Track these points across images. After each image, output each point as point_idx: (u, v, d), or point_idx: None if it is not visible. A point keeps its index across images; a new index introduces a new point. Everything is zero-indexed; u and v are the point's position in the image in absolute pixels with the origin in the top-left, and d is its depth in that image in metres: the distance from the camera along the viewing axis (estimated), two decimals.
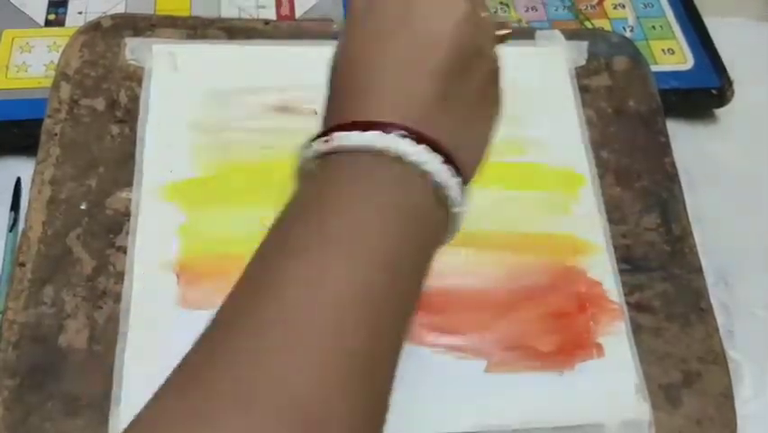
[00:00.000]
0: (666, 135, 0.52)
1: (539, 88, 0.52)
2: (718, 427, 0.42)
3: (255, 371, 0.23)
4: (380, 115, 0.28)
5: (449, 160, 0.28)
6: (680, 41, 0.60)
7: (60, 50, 0.50)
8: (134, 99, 0.49)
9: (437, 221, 0.29)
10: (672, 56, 0.59)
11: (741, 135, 0.58)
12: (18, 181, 0.50)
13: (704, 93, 0.58)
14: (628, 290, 0.46)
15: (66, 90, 0.48)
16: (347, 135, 0.27)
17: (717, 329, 0.45)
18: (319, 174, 0.28)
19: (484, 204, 0.48)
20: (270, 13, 0.59)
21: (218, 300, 0.43)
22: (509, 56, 0.54)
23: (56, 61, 0.50)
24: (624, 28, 0.60)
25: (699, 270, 0.47)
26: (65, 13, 0.57)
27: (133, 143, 0.47)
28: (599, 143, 0.51)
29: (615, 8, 0.62)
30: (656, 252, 0.47)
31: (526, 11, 0.61)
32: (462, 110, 0.30)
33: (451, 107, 0.29)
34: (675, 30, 0.61)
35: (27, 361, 0.40)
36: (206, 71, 0.50)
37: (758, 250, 0.52)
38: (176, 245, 0.44)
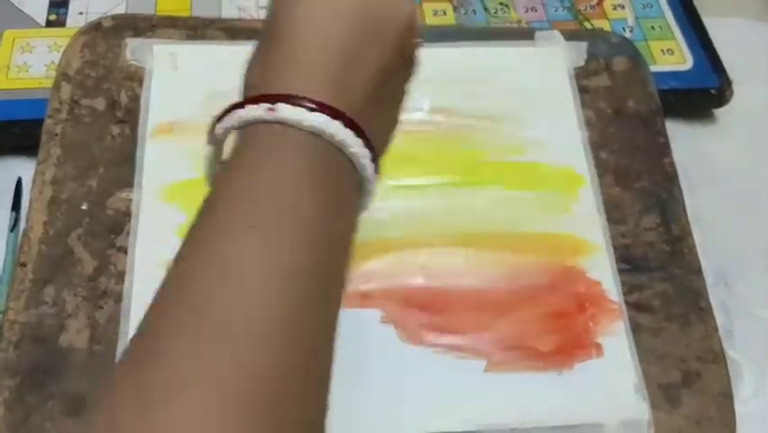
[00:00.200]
0: (665, 136, 0.52)
1: (539, 89, 0.52)
2: (718, 426, 0.42)
3: (192, 359, 0.24)
4: (312, 93, 0.28)
5: (363, 134, 0.29)
6: (679, 42, 0.60)
7: (61, 50, 0.51)
8: (135, 99, 0.49)
9: (354, 195, 0.30)
10: (671, 56, 0.59)
11: (740, 136, 0.58)
12: (19, 181, 0.50)
13: (703, 93, 0.58)
14: (628, 289, 0.46)
15: (66, 90, 0.48)
16: (293, 110, 0.27)
17: (716, 329, 0.45)
18: (244, 149, 0.28)
19: (484, 204, 0.48)
20: None
21: None
22: (509, 56, 0.55)
23: (57, 62, 0.50)
24: (623, 28, 0.61)
25: (699, 270, 0.47)
26: (66, 14, 0.57)
27: (134, 144, 0.47)
28: (599, 144, 0.51)
29: (614, 9, 0.62)
30: (656, 252, 0.47)
31: (526, 11, 0.61)
32: (382, 102, 0.31)
33: (375, 98, 0.30)
34: (674, 30, 0.61)
35: (28, 361, 0.40)
36: (207, 71, 0.50)
37: (758, 250, 0.52)
38: (176, 245, 0.44)
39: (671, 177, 0.50)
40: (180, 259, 0.27)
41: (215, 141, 0.30)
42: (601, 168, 0.50)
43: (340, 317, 0.28)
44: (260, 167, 0.27)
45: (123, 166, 0.46)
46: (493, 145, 0.50)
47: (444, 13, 0.60)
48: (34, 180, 0.45)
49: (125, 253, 0.44)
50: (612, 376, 0.43)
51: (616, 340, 0.44)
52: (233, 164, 0.28)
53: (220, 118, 0.29)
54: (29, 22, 0.57)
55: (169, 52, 0.51)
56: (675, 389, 0.43)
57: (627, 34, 0.60)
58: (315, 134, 0.27)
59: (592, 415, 0.42)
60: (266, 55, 0.30)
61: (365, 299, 0.44)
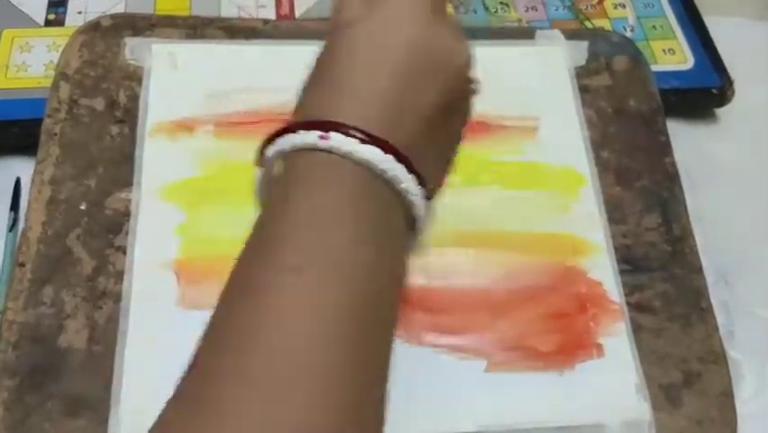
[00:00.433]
0: (666, 135, 0.52)
1: (539, 88, 0.52)
2: (719, 426, 0.42)
3: (246, 388, 0.23)
4: (367, 125, 0.28)
5: (414, 170, 0.28)
6: (680, 41, 0.60)
7: (60, 49, 0.50)
8: (134, 99, 0.49)
9: (404, 231, 0.29)
10: (672, 56, 0.59)
11: (741, 135, 0.58)
12: (18, 181, 0.50)
13: (704, 93, 0.58)
14: (629, 290, 0.46)
15: (65, 90, 0.48)
16: (346, 139, 0.27)
17: (717, 329, 0.45)
18: (291, 177, 0.28)
19: (484, 204, 0.48)
20: (270, 13, 0.59)
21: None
22: (510, 55, 0.54)
23: (55, 61, 0.50)
24: (624, 28, 0.60)
25: (700, 270, 0.47)
26: (65, 13, 0.57)
27: (133, 143, 0.47)
28: (600, 143, 0.51)
29: (615, 8, 0.62)
30: (657, 252, 0.47)
31: (526, 11, 0.61)
32: (436, 140, 0.30)
33: (429, 136, 0.30)
34: (675, 30, 0.61)
35: (27, 361, 0.40)
36: (206, 71, 0.50)
37: (759, 249, 0.52)
38: (176, 245, 0.44)
39: (672, 176, 0.50)
40: (226, 301, 0.27)
41: (265, 163, 0.30)
42: (602, 167, 0.50)
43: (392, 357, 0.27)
44: (308, 201, 0.27)
45: (122, 166, 0.46)
46: (493, 145, 0.50)
47: None
48: (33, 180, 0.45)
49: (124, 252, 0.44)
50: (613, 377, 0.43)
51: (617, 340, 0.44)
52: (279, 195, 0.28)
53: (270, 140, 0.29)
54: (28, 21, 0.56)
55: (168, 52, 0.50)
56: (676, 389, 0.43)
57: (628, 34, 0.60)
58: (366, 167, 0.27)
59: (593, 415, 0.42)
60: (321, 80, 0.30)
61: None
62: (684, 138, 0.54)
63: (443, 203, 0.49)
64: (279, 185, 0.28)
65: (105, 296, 0.42)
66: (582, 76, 0.53)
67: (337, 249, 0.26)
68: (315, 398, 0.24)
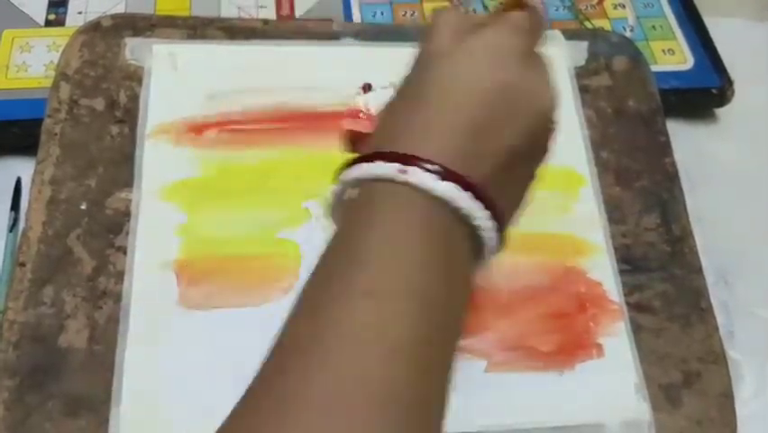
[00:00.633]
0: (666, 135, 0.52)
1: None
2: (719, 427, 0.42)
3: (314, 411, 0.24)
4: (446, 161, 0.28)
5: (490, 206, 0.29)
6: (680, 41, 0.60)
7: (60, 49, 0.50)
8: (134, 99, 0.49)
9: (472, 259, 0.30)
10: (671, 56, 0.59)
11: (741, 135, 0.58)
12: (18, 181, 0.50)
13: (704, 93, 0.58)
14: (628, 290, 0.46)
15: (65, 90, 0.48)
16: (424, 175, 0.27)
17: (717, 329, 0.45)
18: (366, 205, 0.28)
19: None
20: (270, 13, 0.59)
21: (218, 300, 0.44)
22: None
23: (56, 61, 0.50)
24: (624, 28, 0.60)
25: (699, 270, 0.47)
26: (65, 13, 0.57)
27: (133, 143, 0.47)
28: (599, 143, 0.51)
29: (615, 8, 0.62)
30: (656, 252, 0.47)
31: None
32: (511, 182, 0.31)
33: (505, 177, 0.30)
34: (675, 30, 0.61)
35: (27, 361, 0.40)
36: (206, 71, 0.50)
37: (759, 250, 0.52)
38: (176, 245, 0.44)
39: (671, 177, 0.50)
40: (296, 319, 0.27)
41: (341, 186, 0.30)
42: (602, 167, 0.50)
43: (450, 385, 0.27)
44: (382, 229, 0.27)
45: (123, 166, 0.46)
46: None
47: None
48: (33, 180, 0.45)
49: (124, 253, 0.44)
50: (613, 377, 0.43)
51: (616, 341, 0.44)
52: (353, 221, 0.28)
53: (348, 165, 0.29)
54: (28, 21, 0.56)
55: (169, 52, 0.50)
56: (676, 389, 0.43)
57: (628, 34, 0.60)
58: (442, 202, 0.27)
59: (593, 415, 0.42)
60: (401, 112, 0.30)
61: None
62: (684, 138, 0.54)
63: None
64: (353, 211, 0.29)
65: (105, 296, 0.42)
66: (582, 76, 0.53)
67: (408, 277, 0.27)
68: (377, 422, 0.24)
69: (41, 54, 0.54)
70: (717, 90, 0.57)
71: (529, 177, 0.33)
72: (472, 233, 0.29)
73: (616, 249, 0.47)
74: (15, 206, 0.49)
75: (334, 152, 0.44)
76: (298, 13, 0.59)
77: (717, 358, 0.44)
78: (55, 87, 0.48)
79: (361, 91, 0.50)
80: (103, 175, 0.46)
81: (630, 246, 0.47)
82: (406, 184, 0.27)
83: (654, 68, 0.55)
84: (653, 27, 0.61)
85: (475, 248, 0.29)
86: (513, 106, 0.30)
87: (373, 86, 0.50)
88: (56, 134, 0.47)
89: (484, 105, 0.29)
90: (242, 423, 0.25)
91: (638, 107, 0.52)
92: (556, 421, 0.41)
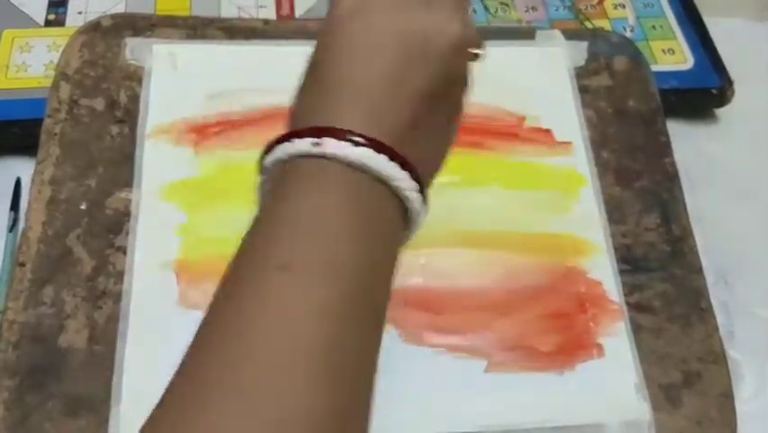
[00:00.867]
0: (666, 135, 0.52)
1: (539, 88, 0.52)
2: (719, 427, 0.42)
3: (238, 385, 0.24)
4: (357, 126, 0.28)
5: (409, 168, 0.28)
6: (680, 41, 0.60)
7: (60, 49, 0.50)
8: (134, 99, 0.49)
9: (397, 226, 0.29)
10: (671, 56, 0.59)
11: (741, 135, 0.58)
12: (18, 181, 0.50)
13: (704, 93, 0.58)
14: (628, 290, 0.46)
15: (65, 90, 0.48)
16: (338, 144, 0.27)
17: (717, 329, 0.45)
18: (285, 182, 0.28)
19: (484, 204, 0.48)
20: (270, 13, 0.59)
21: None
22: (510, 55, 0.54)
23: (56, 61, 0.50)
24: (624, 28, 0.60)
25: (700, 270, 0.47)
26: (65, 13, 0.57)
27: (133, 143, 0.47)
28: (599, 143, 0.51)
29: (615, 8, 0.62)
30: (656, 252, 0.47)
31: (526, 11, 0.61)
32: (430, 126, 0.30)
33: (422, 124, 0.29)
34: (675, 30, 0.61)
35: (27, 361, 0.40)
36: (206, 71, 0.50)
37: (759, 249, 0.52)
38: (176, 245, 0.44)
39: (671, 177, 0.50)
40: (214, 301, 0.27)
41: (265, 172, 0.30)
42: (602, 167, 0.50)
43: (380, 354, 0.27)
44: (300, 203, 0.27)
45: (123, 166, 0.46)
46: (493, 145, 0.50)
47: None
48: (33, 180, 0.45)
49: (124, 252, 0.44)
50: (613, 377, 0.43)
51: (617, 341, 0.44)
52: (273, 199, 0.28)
53: (268, 149, 0.29)
54: (28, 21, 0.56)
55: (169, 52, 0.50)
56: (676, 389, 0.43)
57: (628, 34, 0.60)
58: (360, 169, 0.27)
59: (593, 415, 0.42)
60: (311, 85, 0.30)
61: None
62: (684, 138, 0.54)
63: (444, 203, 0.49)
64: (274, 190, 0.28)
65: (105, 296, 0.42)
66: (582, 76, 0.53)
67: (325, 247, 0.26)
68: (296, 397, 0.24)
69: (41, 54, 0.54)
70: (717, 90, 0.57)
71: (453, 109, 0.32)
72: (395, 196, 0.28)
73: (616, 249, 0.47)
74: (15, 206, 0.49)
75: None
76: (298, 13, 0.59)
77: (717, 358, 0.44)
78: (55, 87, 0.48)
79: None
80: (103, 175, 0.46)
81: (630, 246, 0.47)
82: (322, 156, 0.27)
83: (654, 68, 0.55)
84: (653, 27, 0.61)
85: (401, 211, 0.29)
86: (418, 51, 0.29)
87: None
88: (56, 134, 0.47)
89: (389, 60, 0.29)
90: (166, 410, 0.25)
91: (638, 107, 0.52)
92: (556, 421, 0.41)
